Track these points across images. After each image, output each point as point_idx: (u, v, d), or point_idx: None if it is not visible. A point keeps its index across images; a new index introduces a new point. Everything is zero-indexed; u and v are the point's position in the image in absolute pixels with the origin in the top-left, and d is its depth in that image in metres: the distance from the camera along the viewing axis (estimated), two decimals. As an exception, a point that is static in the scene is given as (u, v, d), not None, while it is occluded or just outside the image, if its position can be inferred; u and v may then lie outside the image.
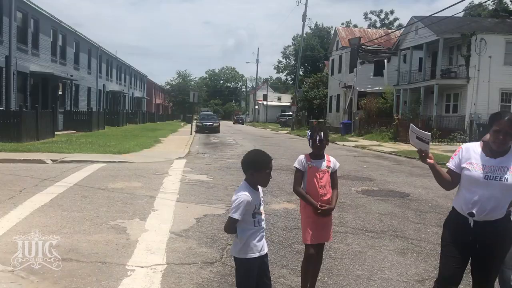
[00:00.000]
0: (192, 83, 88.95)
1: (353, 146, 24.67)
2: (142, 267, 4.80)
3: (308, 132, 4.12)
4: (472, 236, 3.16)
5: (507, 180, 3.10)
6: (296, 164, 4.07)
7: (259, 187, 3.40)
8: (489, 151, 3.21)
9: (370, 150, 22.37)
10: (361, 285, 4.53)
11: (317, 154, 4.08)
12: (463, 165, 3.24)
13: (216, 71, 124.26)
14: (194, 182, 10.66)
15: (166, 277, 4.56)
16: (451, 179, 3.32)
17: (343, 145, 25.87)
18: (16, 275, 4.36)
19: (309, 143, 4.08)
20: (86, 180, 10.24)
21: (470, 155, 3.26)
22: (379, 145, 24.76)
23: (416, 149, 3.37)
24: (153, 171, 12.16)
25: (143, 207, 7.70)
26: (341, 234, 6.35)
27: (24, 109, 19.39)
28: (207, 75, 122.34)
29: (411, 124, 3.52)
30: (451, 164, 3.34)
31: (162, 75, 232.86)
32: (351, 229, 6.67)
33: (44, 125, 20.56)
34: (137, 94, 62.94)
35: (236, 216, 3.20)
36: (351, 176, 12.34)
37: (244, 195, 3.23)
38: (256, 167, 3.29)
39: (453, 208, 3.36)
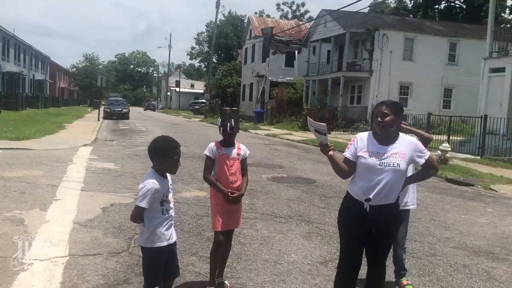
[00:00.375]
0: (100, 66, 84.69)
1: (265, 135, 25.18)
2: (41, 260, 4.52)
3: (219, 120, 4.13)
4: (368, 221, 3.36)
5: (399, 166, 3.33)
6: (206, 152, 4.06)
7: (168, 174, 3.34)
8: (380, 139, 3.42)
9: (281, 138, 22.98)
10: (268, 269, 4.67)
11: (227, 141, 4.10)
12: (359, 154, 3.41)
13: (126, 55, 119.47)
14: (100, 170, 10.21)
15: (68, 269, 4.34)
16: (347, 168, 3.47)
17: (256, 133, 26.30)
18: None
19: (220, 131, 4.09)
20: (-22, 169, 9.38)
21: (364, 143, 3.44)
22: (289, 134, 25.53)
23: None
24: (56, 159, 11.46)
25: (43, 197, 7.23)
26: (250, 220, 6.47)
27: None
28: (116, 59, 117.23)
29: (308, 117, 3.66)
30: (347, 154, 3.49)
31: (68, 57, 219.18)
32: (260, 215, 6.82)
33: None
34: (39, 76, 58.68)
35: (143, 204, 3.13)
36: (262, 163, 12.60)
37: (151, 183, 3.16)
38: (163, 154, 3.22)
39: (348, 193, 3.52)
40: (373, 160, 3.34)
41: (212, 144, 4.09)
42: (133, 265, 4.54)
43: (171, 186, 3.34)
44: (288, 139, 22.13)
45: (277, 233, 5.95)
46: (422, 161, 3.41)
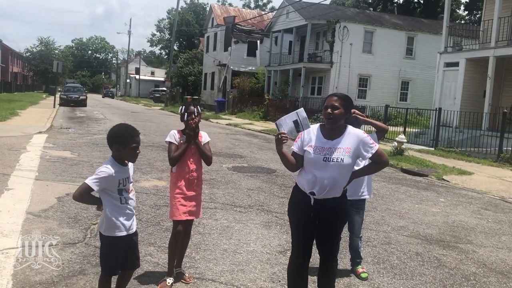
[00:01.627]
0: (57, 51, 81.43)
1: (226, 124, 25.12)
2: (-9, 252, 4.36)
3: (181, 108, 4.08)
4: (313, 213, 3.40)
5: (343, 161, 3.31)
6: (168, 138, 4.00)
7: (130, 164, 3.29)
8: (327, 133, 3.42)
9: (242, 128, 22.97)
10: (227, 258, 4.68)
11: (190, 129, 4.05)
12: (305, 148, 3.41)
13: (84, 40, 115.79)
14: (56, 158, 9.90)
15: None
16: (295, 162, 3.48)
17: (217, 122, 26.19)
18: None
19: (181, 119, 4.04)
20: None
21: (310, 137, 3.44)
22: (250, 124, 25.57)
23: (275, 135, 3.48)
24: (8, 146, 11.01)
25: (-6, 186, 6.95)
26: (210, 210, 6.46)
27: None
28: (73, 44, 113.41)
29: (301, 108, 3.63)
30: (295, 148, 3.50)
31: (21, 41, 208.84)
32: (221, 205, 6.82)
33: None
34: (-10, 60, 55.98)
35: (90, 183, 3.05)
36: (223, 153, 12.58)
37: (106, 168, 3.12)
38: (121, 142, 3.17)
39: (296, 185, 3.55)
40: (317, 156, 3.33)
41: (173, 131, 4.05)
42: (89, 255, 4.45)
43: (131, 175, 3.28)
44: (249, 129, 22.17)
45: (236, 222, 5.97)
46: (368, 155, 3.35)
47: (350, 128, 3.42)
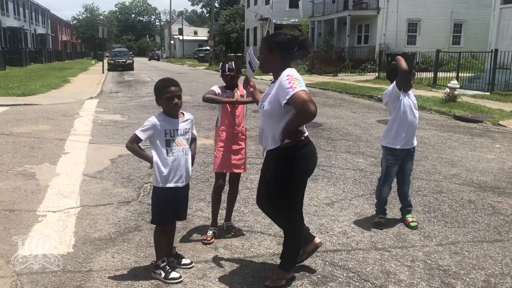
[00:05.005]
0: (101, 17, 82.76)
1: (270, 80, 24.85)
2: (54, 212, 4.65)
3: (220, 64, 4.11)
4: (264, 165, 3.35)
5: (263, 108, 3.11)
6: (211, 88, 4.07)
7: (185, 118, 3.35)
8: (275, 78, 3.17)
9: (287, 82, 22.68)
10: (275, 211, 4.75)
11: (229, 85, 4.06)
12: None
13: (127, 4, 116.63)
14: (107, 122, 10.26)
15: (80, 219, 4.46)
16: None
17: (261, 79, 25.98)
18: None
19: (220, 74, 4.06)
20: (-14, 126, 9.48)
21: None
22: (295, 78, 25.18)
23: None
24: (63, 113, 11.51)
25: (52, 151, 7.33)
26: (257, 165, 6.52)
27: None
28: (117, 9, 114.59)
29: (251, 47, 3.54)
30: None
31: (67, 9, 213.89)
32: (267, 160, 6.86)
33: None
34: (40, 30, 57.84)
35: (137, 132, 3.20)
36: (268, 109, 12.54)
37: (151, 118, 3.25)
38: (156, 93, 3.30)
39: None
40: (260, 104, 3.28)
41: (215, 87, 4.08)
42: (143, 213, 4.65)
43: (185, 130, 3.32)
44: (294, 83, 21.83)
45: (283, 177, 6.01)
46: (283, 101, 2.90)
47: (286, 71, 3.02)
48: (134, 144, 3.23)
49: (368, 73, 25.98)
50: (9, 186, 5.48)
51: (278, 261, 3.52)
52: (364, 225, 4.43)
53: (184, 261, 3.54)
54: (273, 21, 36.36)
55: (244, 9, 46.72)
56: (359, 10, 29.75)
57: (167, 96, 3.23)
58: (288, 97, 2.87)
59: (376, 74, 23.71)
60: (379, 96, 15.15)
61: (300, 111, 2.87)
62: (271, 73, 3.23)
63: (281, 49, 3.09)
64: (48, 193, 5.26)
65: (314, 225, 4.39)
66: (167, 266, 3.34)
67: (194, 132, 3.47)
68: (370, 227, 4.39)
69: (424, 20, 28.46)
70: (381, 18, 28.03)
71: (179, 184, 3.33)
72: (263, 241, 4.05)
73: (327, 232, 4.25)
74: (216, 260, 3.65)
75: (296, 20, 35.82)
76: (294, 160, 3.05)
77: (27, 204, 4.89)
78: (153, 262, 3.41)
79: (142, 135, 3.20)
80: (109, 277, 3.35)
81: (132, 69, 35.11)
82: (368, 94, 16.06)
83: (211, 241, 3.97)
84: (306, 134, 3.13)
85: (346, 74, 26.61)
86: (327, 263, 3.64)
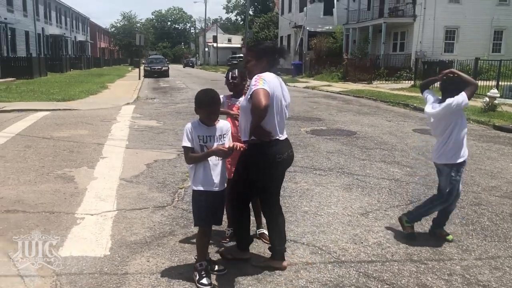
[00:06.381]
0: (138, 25, 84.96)
1: (304, 87, 24.86)
2: (92, 215, 4.77)
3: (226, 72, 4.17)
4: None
5: (239, 103, 3.37)
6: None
7: (220, 125, 3.41)
8: None
9: (320, 90, 22.64)
10: (308, 220, 4.73)
11: (234, 92, 4.08)
12: None
13: (163, 12, 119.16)
14: (143, 128, 10.48)
15: (117, 223, 4.56)
16: None
17: (294, 86, 26.01)
18: (-42, 229, 4.23)
19: (225, 82, 4.13)
20: (29, 130, 9.84)
21: None
22: (328, 85, 25.08)
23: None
24: (101, 118, 11.82)
25: (91, 155, 7.54)
26: (290, 173, 6.51)
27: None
28: (153, 17, 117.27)
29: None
30: None
31: (106, 17, 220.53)
32: (300, 168, 6.85)
33: (-21, 72, 19.26)
34: (80, 37, 59.75)
35: (183, 143, 3.31)
36: (300, 116, 12.52)
37: (187, 125, 3.35)
38: (197, 104, 3.37)
39: None
40: None
41: (221, 96, 4.07)
42: (177, 218, 4.72)
43: (221, 137, 3.38)
44: (327, 91, 21.77)
45: (316, 185, 5.98)
46: (248, 97, 3.29)
47: (265, 73, 3.37)
48: (189, 155, 3.31)
49: (404, 81, 25.55)
50: (50, 188, 5.67)
51: (311, 270, 3.50)
52: (400, 237, 4.35)
53: (217, 267, 3.57)
54: (307, 28, 36.31)
55: (278, 17, 46.89)
56: (395, 17, 29.37)
57: (208, 110, 3.32)
58: (250, 93, 3.23)
59: (412, 82, 23.28)
60: (415, 104, 14.87)
61: (253, 105, 3.18)
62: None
63: (268, 55, 3.47)
64: (86, 196, 5.40)
65: (348, 235, 4.34)
66: (202, 271, 3.38)
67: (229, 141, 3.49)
68: (405, 238, 4.30)
69: (462, 27, 27.81)
70: (418, 25, 27.58)
71: (215, 189, 3.37)
72: (296, 250, 4.02)
73: (361, 243, 4.19)
74: (249, 267, 3.66)
75: (330, 28, 35.65)
76: (254, 156, 3.39)
77: (66, 206, 5.04)
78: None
79: (188, 143, 3.30)
80: (144, 281, 3.41)
81: (168, 75, 35.75)
82: (403, 102, 15.79)
83: (228, 241, 4.08)
84: (277, 138, 3.40)
85: (381, 82, 26.25)
86: (361, 274, 3.59)
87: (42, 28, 39.31)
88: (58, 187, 5.74)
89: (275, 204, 3.71)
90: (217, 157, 3.36)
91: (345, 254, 3.95)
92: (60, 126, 10.37)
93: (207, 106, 3.33)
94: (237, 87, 4.05)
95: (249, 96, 3.26)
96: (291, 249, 4.03)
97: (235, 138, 3.94)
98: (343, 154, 7.88)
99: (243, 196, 3.65)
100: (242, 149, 3.27)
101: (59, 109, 13.31)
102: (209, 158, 3.33)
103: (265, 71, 3.40)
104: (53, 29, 43.82)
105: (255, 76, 3.32)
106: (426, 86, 4.47)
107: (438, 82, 4.27)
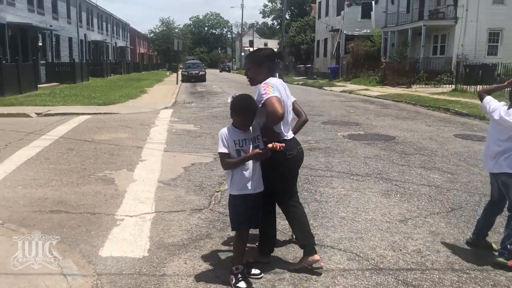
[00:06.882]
0: (176, 30, 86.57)
1: (341, 91, 24.63)
2: (131, 216, 4.88)
3: None
4: None
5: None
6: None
7: (257, 127, 3.45)
8: None
9: (357, 94, 22.35)
10: (345, 226, 4.66)
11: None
12: None
13: (201, 17, 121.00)
14: (181, 131, 10.64)
15: (155, 225, 4.64)
16: None
17: (331, 90, 25.82)
18: (7, 228, 4.40)
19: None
20: (71, 133, 10.18)
21: None
22: (366, 89, 24.74)
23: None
24: (140, 122, 12.09)
25: (130, 158, 7.72)
26: (326, 178, 6.46)
27: (3, 62, 18.84)
28: (191, 22, 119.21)
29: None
30: None
31: (145, 23, 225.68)
32: (337, 173, 6.78)
33: (26, 77, 20.11)
34: (120, 43, 61.39)
35: (219, 149, 3.33)
36: (337, 121, 12.40)
37: (222, 130, 3.38)
38: (234, 109, 3.39)
39: None
40: None
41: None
42: (214, 221, 4.76)
43: (255, 140, 3.41)
44: (365, 95, 21.46)
45: (354, 191, 5.90)
46: (259, 105, 3.41)
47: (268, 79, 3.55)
48: (225, 160, 3.32)
49: (444, 85, 24.89)
50: (91, 190, 5.84)
51: (348, 276, 3.44)
52: (440, 244, 4.22)
53: (253, 271, 3.57)
54: (344, 32, 35.98)
55: (315, 21, 46.70)
56: (435, 20, 28.70)
57: (245, 116, 3.35)
58: (262, 102, 3.40)
59: (453, 86, 22.64)
60: (456, 109, 14.46)
61: (269, 113, 3.37)
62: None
63: (268, 61, 3.66)
64: (125, 198, 5.53)
65: (386, 242, 4.25)
66: (239, 274, 3.40)
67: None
68: (446, 246, 4.17)
69: (507, 29, 26.83)
70: (459, 28, 26.83)
71: (252, 192, 3.38)
72: (333, 255, 3.98)
73: (400, 250, 4.10)
74: (285, 272, 3.64)
75: (368, 31, 35.19)
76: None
77: (106, 208, 5.17)
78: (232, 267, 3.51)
79: (224, 149, 3.31)
80: (182, 283, 3.45)
81: (204, 80, 36.22)
82: (444, 107, 15.37)
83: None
84: (285, 137, 3.54)
85: (420, 86, 25.67)
86: (400, 282, 3.51)
87: (85, 35, 40.64)
88: (99, 189, 5.91)
89: (292, 202, 3.73)
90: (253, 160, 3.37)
91: (383, 261, 3.87)
92: (101, 130, 10.67)
93: (244, 112, 3.34)
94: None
95: (260, 105, 3.41)
96: (328, 255, 3.98)
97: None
98: (381, 159, 7.75)
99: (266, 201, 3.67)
100: (281, 148, 3.30)
101: (100, 113, 13.71)
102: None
103: (268, 77, 3.59)
104: (94, 35, 45.22)
105: (263, 84, 3.50)
106: (488, 92, 4.27)
107: (507, 89, 4.05)
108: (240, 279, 3.37)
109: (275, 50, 3.85)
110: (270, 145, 3.29)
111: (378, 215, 5.00)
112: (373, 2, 35.46)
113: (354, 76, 32.55)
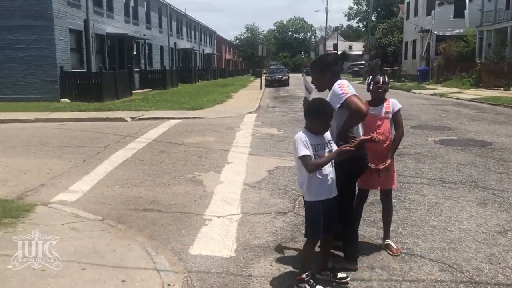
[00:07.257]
0: (261, 36, 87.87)
1: (431, 94, 23.49)
2: (218, 217, 5.03)
3: (368, 78, 4.07)
4: None
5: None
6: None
7: (327, 134, 3.40)
8: None
9: (449, 97, 21.18)
10: (437, 235, 4.43)
11: (375, 99, 3.97)
12: None
13: (284, 22, 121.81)
14: (265, 135, 10.79)
15: (241, 226, 4.75)
16: None
17: (420, 93, 24.73)
18: (106, 223, 4.75)
19: (368, 88, 4.02)
20: (163, 136, 10.74)
21: None
22: (459, 92, 23.35)
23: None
24: (226, 126, 12.45)
25: (217, 160, 7.97)
26: (416, 185, 6.19)
27: (103, 70, 20.39)
28: (275, 27, 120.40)
29: (303, 74, 3.58)
30: None
31: (230, 30, 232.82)
32: (427, 180, 6.47)
33: (122, 84, 21.59)
34: (208, 50, 63.64)
35: (301, 153, 3.20)
36: (428, 125, 11.84)
37: (299, 135, 3.30)
38: (312, 113, 3.34)
39: None
40: None
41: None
42: (298, 224, 4.76)
43: (329, 145, 3.36)
44: (457, 98, 20.26)
45: (446, 199, 5.59)
46: (336, 105, 3.44)
47: (337, 81, 3.60)
48: (308, 162, 3.22)
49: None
50: (181, 190, 6.11)
51: (441, 289, 3.27)
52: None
53: (340, 274, 3.51)
54: (435, 32, 34.28)
55: (402, 22, 45.03)
56: (539, 16, 26.35)
57: (322, 119, 3.29)
58: (342, 102, 3.45)
59: (560, 87, 20.63)
60: None
61: (353, 111, 3.41)
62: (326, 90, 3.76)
63: (330, 67, 3.71)
64: (213, 199, 5.72)
65: (483, 254, 3.98)
66: (311, 280, 3.36)
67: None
68: (553, 263, 3.81)
69: None
70: None
71: (329, 196, 3.34)
72: (424, 265, 3.80)
73: (499, 263, 3.81)
74: (373, 280, 3.55)
75: (461, 31, 33.18)
76: (348, 160, 3.38)
77: (195, 208, 5.39)
78: (296, 276, 3.43)
79: (307, 152, 3.21)
80: (268, 284, 3.49)
81: (288, 85, 36.41)
82: (549, 110, 14.07)
83: None
84: (358, 139, 3.52)
85: (520, 88, 23.69)
86: (499, 298, 3.27)
87: (175, 43, 42.68)
88: (189, 189, 6.17)
89: (352, 205, 3.82)
90: (329, 164, 3.32)
91: (479, 274, 3.63)
92: (190, 133, 11.14)
93: (322, 117, 3.29)
94: (385, 93, 3.98)
95: (338, 105, 3.46)
96: (418, 264, 3.81)
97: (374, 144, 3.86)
98: (476, 166, 7.27)
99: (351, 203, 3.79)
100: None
101: (189, 117, 14.32)
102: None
103: (336, 80, 3.64)
104: (183, 43, 47.33)
105: (337, 85, 3.57)
106: None
107: None
108: (314, 284, 3.34)
109: (338, 53, 4.12)
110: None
111: (473, 225, 4.69)
112: (467, 0, 33.40)
113: (445, 78, 30.85)
